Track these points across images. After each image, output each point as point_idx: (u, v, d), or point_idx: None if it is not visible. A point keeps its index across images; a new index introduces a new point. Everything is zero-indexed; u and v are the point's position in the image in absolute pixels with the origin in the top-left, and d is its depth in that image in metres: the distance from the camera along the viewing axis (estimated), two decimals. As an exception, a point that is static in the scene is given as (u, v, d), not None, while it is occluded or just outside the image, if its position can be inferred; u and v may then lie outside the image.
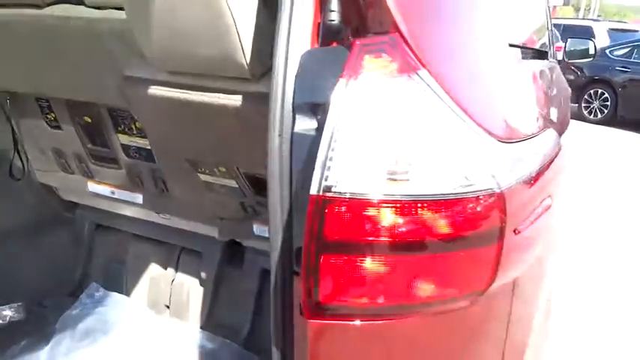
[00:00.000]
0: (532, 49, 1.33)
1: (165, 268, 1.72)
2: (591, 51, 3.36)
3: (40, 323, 1.64)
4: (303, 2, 0.59)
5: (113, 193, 1.63)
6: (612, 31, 10.69)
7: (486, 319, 0.63)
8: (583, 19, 14.30)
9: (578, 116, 8.05)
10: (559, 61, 3.30)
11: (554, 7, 36.51)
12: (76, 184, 1.69)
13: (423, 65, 0.54)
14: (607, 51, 7.80)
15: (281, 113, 0.59)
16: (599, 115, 7.73)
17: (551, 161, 0.73)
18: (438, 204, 0.52)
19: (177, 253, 1.70)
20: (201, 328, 1.63)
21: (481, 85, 0.65)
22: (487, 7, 0.73)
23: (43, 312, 1.70)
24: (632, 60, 7.36)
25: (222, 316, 1.61)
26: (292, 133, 0.58)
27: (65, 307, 1.71)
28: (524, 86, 0.80)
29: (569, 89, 2.86)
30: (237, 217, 1.43)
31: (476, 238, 0.55)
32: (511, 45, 0.83)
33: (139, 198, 1.59)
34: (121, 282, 1.77)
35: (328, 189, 0.50)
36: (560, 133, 1.04)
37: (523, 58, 1.03)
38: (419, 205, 0.52)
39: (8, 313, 1.69)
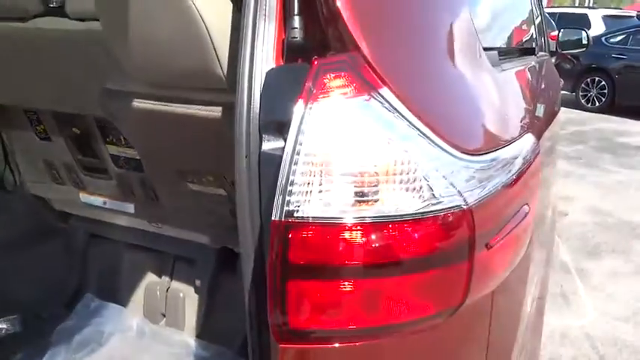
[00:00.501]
0: (513, 48, 1.32)
1: (160, 277, 1.72)
2: (584, 41, 3.34)
3: (36, 335, 1.65)
4: (267, 19, 0.59)
5: (105, 203, 1.64)
6: (607, 18, 10.65)
7: (464, 334, 0.62)
8: (577, 6, 14.24)
9: (576, 105, 8.03)
10: (553, 52, 3.27)
11: (551, -7, 36.33)
12: (68, 195, 1.69)
13: (385, 83, 0.53)
14: (603, 38, 7.76)
15: (247, 132, 0.58)
16: (597, 104, 7.70)
17: (528, 167, 0.72)
18: (407, 224, 0.52)
19: (172, 261, 1.70)
20: (196, 336, 1.63)
21: (447, 100, 0.64)
22: (455, 15, 0.72)
23: (39, 324, 1.70)
24: (628, 47, 7.32)
25: (217, 323, 1.61)
26: (260, 153, 0.57)
27: (61, 318, 1.71)
28: (497, 94, 0.79)
29: (560, 80, 2.84)
30: (228, 225, 1.43)
31: (446, 255, 0.54)
32: (486, 49, 0.82)
33: (130, 208, 1.59)
34: (116, 292, 1.77)
35: (290, 214, 0.50)
36: (541, 132, 1.03)
37: (503, 59, 1.02)
38: (389, 225, 0.52)
39: (4, 326, 1.69)
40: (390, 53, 0.57)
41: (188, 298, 1.65)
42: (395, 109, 0.53)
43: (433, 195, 0.53)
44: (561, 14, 11.49)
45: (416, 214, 0.52)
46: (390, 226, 0.51)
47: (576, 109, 7.94)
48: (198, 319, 1.63)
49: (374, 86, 0.53)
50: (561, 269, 2.79)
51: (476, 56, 0.72)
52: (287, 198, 0.50)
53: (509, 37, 1.34)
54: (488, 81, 0.76)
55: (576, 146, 5.67)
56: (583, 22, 10.69)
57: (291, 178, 0.50)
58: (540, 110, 1.10)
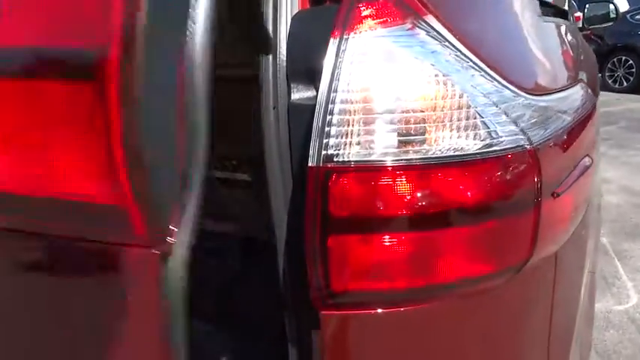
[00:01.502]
0: (552, 5, 1.23)
1: None
2: (612, 14, 3.20)
3: None
4: None
5: None
6: (632, -5, 10.31)
7: (526, 300, 0.55)
8: None
9: (603, 86, 7.78)
10: (581, 28, 3.15)
11: (570, -24, 35.55)
12: None
13: (430, 11, 0.46)
14: (628, 16, 7.49)
15: (274, 82, 0.52)
16: (625, 84, 7.45)
17: (588, 117, 0.64)
18: (461, 167, 0.45)
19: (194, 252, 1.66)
20: (225, 327, 1.60)
21: (501, 33, 0.56)
22: None
23: None
24: (656, 23, 7.05)
25: (246, 313, 1.57)
26: (289, 104, 0.52)
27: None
28: (550, 39, 0.72)
29: (594, 56, 2.72)
30: (252, 212, 1.39)
31: (508, 204, 0.47)
32: None
33: None
34: None
35: (329, 158, 0.43)
36: (594, 92, 0.94)
37: (544, 14, 0.94)
38: (439, 169, 0.45)
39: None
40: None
41: (213, 287, 1.61)
42: (443, 37, 0.46)
43: (491, 133, 0.45)
44: (583, -6, 11.20)
45: (471, 154, 0.45)
46: (442, 169, 0.44)
47: (604, 90, 7.70)
48: (225, 310, 1.59)
49: (418, 13, 0.46)
50: (602, 252, 2.66)
51: None
52: (325, 141, 0.43)
53: None
54: (539, 26, 0.68)
55: (606, 127, 5.47)
56: None
57: (328, 118, 0.43)
58: (588, 73, 1.02)
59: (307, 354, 0.53)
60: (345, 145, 0.43)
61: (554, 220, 0.51)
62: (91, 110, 0.45)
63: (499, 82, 0.47)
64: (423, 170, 0.44)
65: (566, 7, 1.82)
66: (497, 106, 0.46)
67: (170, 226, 0.48)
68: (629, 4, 9.61)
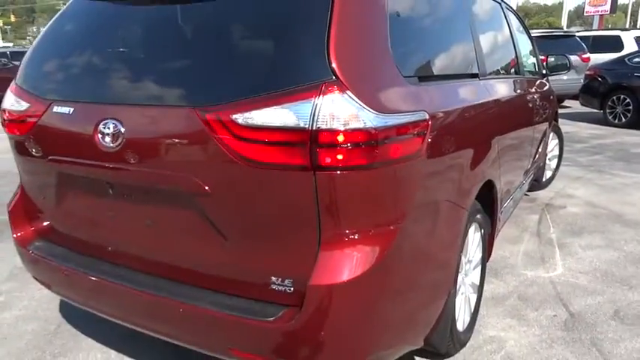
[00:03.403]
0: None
1: None
2: (568, 65, 4.14)
3: None
4: None
5: None
6: (640, 39, 11.08)
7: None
8: (609, 29, 14.46)
9: (604, 121, 8.58)
10: (544, 74, 4.06)
11: (601, 15, 35.89)
12: None
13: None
14: (626, 59, 8.31)
15: None
16: (623, 120, 8.21)
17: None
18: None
19: None
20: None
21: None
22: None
23: None
24: (649, 66, 7.85)
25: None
26: None
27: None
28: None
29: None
30: None
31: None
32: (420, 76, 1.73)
33: None
34: None
35: None
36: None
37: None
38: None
39: None
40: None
41: None
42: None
43: None
44: (594, 37, 12.02)
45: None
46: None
47: (605, 125, 8.49)
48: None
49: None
50: (547, 243, 3.53)
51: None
52: None
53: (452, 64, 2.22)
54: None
55: (594, 157, 6.28)
56: (616, 43, 11.20)
57: None
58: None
59: None
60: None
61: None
62: None
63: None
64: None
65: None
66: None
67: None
68: (639, 47, 10.39)
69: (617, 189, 4.84)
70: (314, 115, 1.33)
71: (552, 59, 4.21)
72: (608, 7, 34.60)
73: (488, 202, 2.39)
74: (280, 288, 1.47)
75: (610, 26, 29.23)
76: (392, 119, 1.43)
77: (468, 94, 2.11)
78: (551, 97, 4.26)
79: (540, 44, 5.05)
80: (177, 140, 1.51)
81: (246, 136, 1.39)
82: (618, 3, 36.25)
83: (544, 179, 4.69)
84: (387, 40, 1.54)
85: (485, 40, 2.64)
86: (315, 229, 1.39)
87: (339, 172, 1.34)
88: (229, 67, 1.48)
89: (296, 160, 1.35)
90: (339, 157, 1.33)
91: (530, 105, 3.34)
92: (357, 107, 1.35)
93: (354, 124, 1.34)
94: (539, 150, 3.92)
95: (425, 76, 1.77)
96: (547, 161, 4.62)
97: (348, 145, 1.34)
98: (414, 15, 1.85)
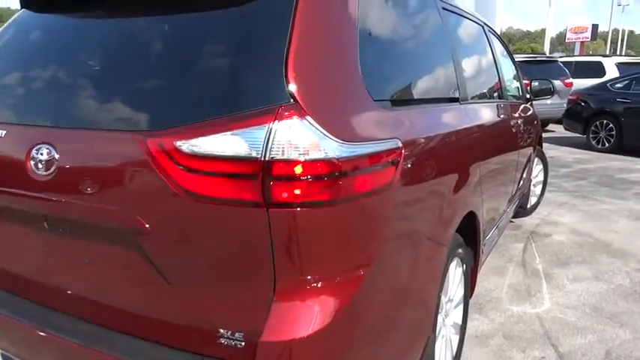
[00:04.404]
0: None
1: None
2: (552, 89, 4.06)
3: None
4: None
5: None
6: (621, 65, 11.23)
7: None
8: (591, 55, 14.68)
9: (587, 146, 8.58)
10: (528, 99, 3.97)
11: (582, 42, 36.82)
12: None
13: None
14: (608, 84, 8.36)
15: None
16: (607, 145, 8.21)
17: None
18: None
19: None
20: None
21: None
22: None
23: None
24: (631, 91, 7.89)
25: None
26: None
27: None
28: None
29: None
30: None
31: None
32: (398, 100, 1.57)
33: None
34: None
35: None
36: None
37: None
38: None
39: None
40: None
41: None
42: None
43: None
44: (577, 62, 12.17)
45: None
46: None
47: (588, 150, 8.48)
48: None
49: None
50: (533, 275, 3.37)
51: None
52: None
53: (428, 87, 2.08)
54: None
55: (578, 182, 6.21)
56: (598, 69, 11.34)
57: None
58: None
59: None
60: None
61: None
62: None
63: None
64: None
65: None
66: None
67: None
68: (620, 73, 10.52)
69: (602, 216, 4.73)
70: (268, 144, 1.15)
71: (536, 84, 4.12)
72: (589, 34, 35.60)
73: (470, 233, 2.22)
74: (230, 342, 1.26)
75: (591, 53, 29.95)
76: (359, 148, 1.26)
77: (448, 119, 1.96)
78: (535, 122, 4.16)
79: (524, 69, 4.99)
80: (114, 169, 1.32)
81: (191, 165, 1.20)
82: (599, 30, 37.31)
83: (529, 205, 4.56)
84: (356, 60, 1.39)
85: (467, 63, 2.52)
86: (270, 276, 1.20)
87: (296, 209, 1.16)
88: (175, 88, 1.31)
89: (246, 195, 1.17)
90: (297, 191, 1.15)
91: (514, 130, 3.21)
92: (318, 135, 1.18)
93: (315, 154, 1.17)
94: (524, 176, 3.80)
95: (399, 100, 1.61)
96: (532, 187, 4.50)
97: (308, 177, 1.16)
98: (388, 33, 1.70)
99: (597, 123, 8.29)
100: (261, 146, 1.15)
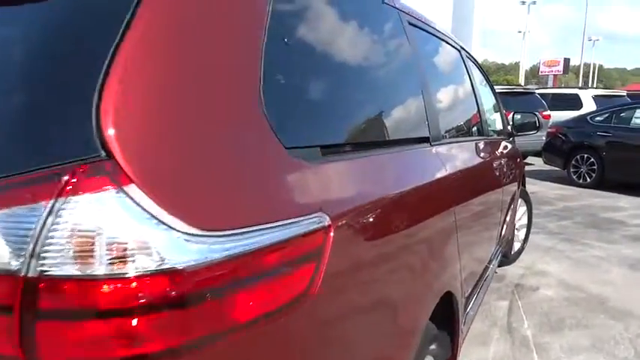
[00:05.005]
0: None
1: None
2: (537, 124, 3.58)
3: None
4: None
5: None
6: (598, 98, 11.09)
7: None
8: (568, 87, 14.59)
9: (568, 181, 8.20)
10: (510, 133, 3.49)
11: (555, 75, 37.70)
12: None
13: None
14: (588, 117, 8.07)
15: None
16: (588, 179, 7.85)
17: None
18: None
19: None
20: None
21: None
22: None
23: None
24: (611, 125, 7.59)
25: None
26: None
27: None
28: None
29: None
30: None
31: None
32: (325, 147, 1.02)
33: None
34: None
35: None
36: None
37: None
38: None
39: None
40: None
41: None
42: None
43: None
44: (554, 94, 12.01)
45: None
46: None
47: (569, 185, 8.10)
48: None
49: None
50: (521, 345, 2.82)
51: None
52: None
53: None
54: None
55: (562, 222, 5.76)
56: (574, 101, 11.17)
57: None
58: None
59: None
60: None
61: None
62: None
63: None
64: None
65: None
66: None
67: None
68: (597, 106, 10.32)
69: (592, 264, 4.25)
70: (38, 243, 0.58)
71: (519, 117, 3.67)
72: (561, 67, 36.47)
73: (446, 315, 1.66)
74: None
75: (563, 85, 30.55)
76: (243, 240, 0.70)
77: (412, 168, 1.42)
78: (519, 160, 3.69)
79: (501, 101, 4.56)
80: None
81: None
82: (570, 64, 38.28)
83: (512, 252, 4.05)
84: (257, 83, 0.84)
85: (441, 94, 2.01)
86: None
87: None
88: None
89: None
90: (96, 344, 0.58)
91: (497, 173, 2.71)
92: (149, 221, 0.61)
93: (142, 262, 0.60)
94: (507, 221, 3.29)
95: (332, 145, 1.05)
96: (515, 231, 4.00)
97: (124, 312, 0.59)
98: (321, 45, 1.15)
99: (578, 157, 7.94)
100: (26, 248, 0.58)
